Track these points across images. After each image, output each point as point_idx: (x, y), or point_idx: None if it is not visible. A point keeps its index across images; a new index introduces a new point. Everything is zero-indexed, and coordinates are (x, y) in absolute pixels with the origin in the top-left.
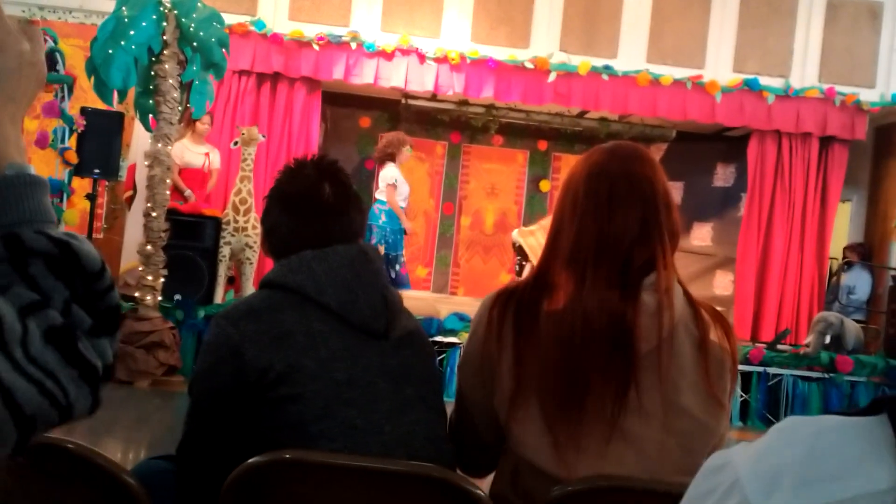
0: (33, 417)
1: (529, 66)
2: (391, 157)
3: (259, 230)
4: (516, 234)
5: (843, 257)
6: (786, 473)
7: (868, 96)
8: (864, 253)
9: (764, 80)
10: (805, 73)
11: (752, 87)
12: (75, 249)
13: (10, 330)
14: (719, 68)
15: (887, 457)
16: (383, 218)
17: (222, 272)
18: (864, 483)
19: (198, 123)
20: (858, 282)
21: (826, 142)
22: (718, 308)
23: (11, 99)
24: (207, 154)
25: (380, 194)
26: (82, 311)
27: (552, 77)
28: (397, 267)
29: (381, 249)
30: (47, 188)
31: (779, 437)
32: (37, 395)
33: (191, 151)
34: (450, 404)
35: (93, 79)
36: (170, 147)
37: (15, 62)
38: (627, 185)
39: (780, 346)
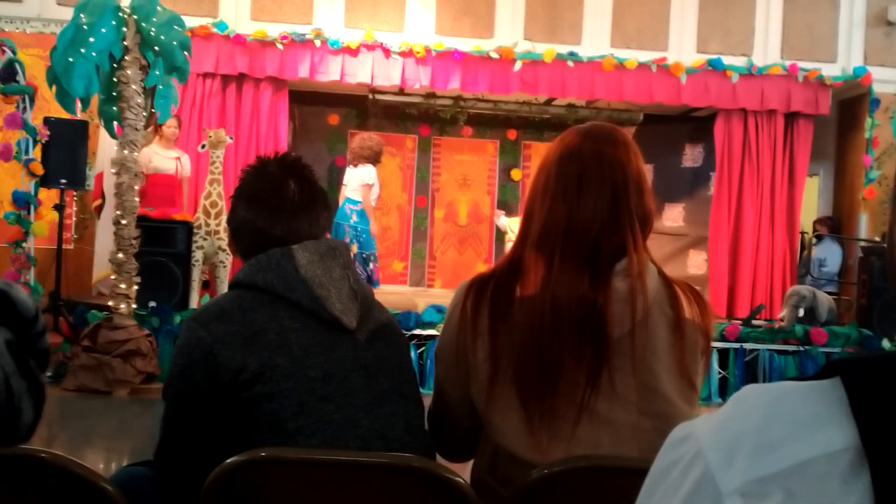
0: None
1: (495, 55)
2: (373, 160)
3: None
4: (505, 221)
5: (813, 231)
6: (744, 441)
7: (830, 71)
8: (834, 225)
9: (727, 60)
10: (767, 50)
11: (715, 67)
12: (12, 298)
13: None
14: (683, 50)
15: (841, 418)
16: (354, 217)
17: (196, 276)
18: (819, 445)
19: (164, 128)
20: (829, 254)
21: (791, 118)
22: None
23: None
24: (178, 158)
25: (351, 193)
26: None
27: (518, 66)
28: (370, 266)
29: (354, 248)
30: None
31: (737, 406)
32: (1, 381)
33: (159, 156)
34: (429, 396)
35: (54, 88)
36: (136, 153)
37: None
38: (598, 167)
39: (755, 322)
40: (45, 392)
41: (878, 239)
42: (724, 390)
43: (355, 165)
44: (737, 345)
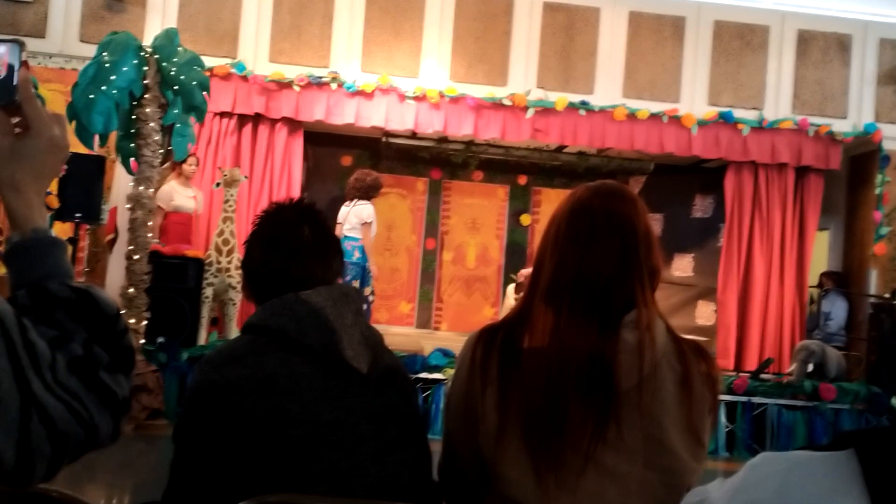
0: (64, 434)
1: (507, 103)
2: (370, 196)
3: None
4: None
5: (820, 284)
6: None
7: (841, 127)
8: (840, 280)
9: (738, 113)
10: (778, 105)
11: (727, 119)
12: (94, 296)
13: (42, 356)
14: (694, 102)
15: (856, 490)
16: (357, 254)
17: (205, 313)
18: None
19: (184, 165)
20: (834, 308)
21: (801, 172)
22: (701, 339)
23: (41, 175)
24: (195, 197)
25: (350, 231)
26: (101, 349)
27: (530, 113)
28: (364, 306)
29: (356, 285)
30: (66, 247)
31: (752, 473)
32: (65, 412)
33: (180, 194)
34: (434, 442)
35: (74, 123)
36: (151, 190)
37: (46, 145)
38: (607, 221)
39: (763, 376)
40: (119, 397)
41: (887, 295)
42: (732, 444)
43: (351, 201)
44: (745, 398)
